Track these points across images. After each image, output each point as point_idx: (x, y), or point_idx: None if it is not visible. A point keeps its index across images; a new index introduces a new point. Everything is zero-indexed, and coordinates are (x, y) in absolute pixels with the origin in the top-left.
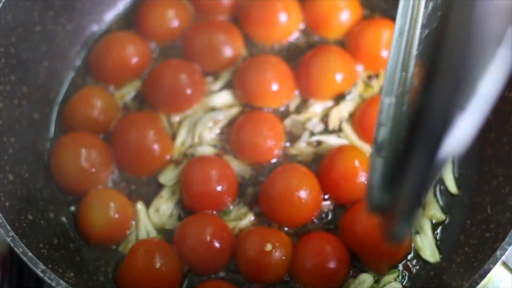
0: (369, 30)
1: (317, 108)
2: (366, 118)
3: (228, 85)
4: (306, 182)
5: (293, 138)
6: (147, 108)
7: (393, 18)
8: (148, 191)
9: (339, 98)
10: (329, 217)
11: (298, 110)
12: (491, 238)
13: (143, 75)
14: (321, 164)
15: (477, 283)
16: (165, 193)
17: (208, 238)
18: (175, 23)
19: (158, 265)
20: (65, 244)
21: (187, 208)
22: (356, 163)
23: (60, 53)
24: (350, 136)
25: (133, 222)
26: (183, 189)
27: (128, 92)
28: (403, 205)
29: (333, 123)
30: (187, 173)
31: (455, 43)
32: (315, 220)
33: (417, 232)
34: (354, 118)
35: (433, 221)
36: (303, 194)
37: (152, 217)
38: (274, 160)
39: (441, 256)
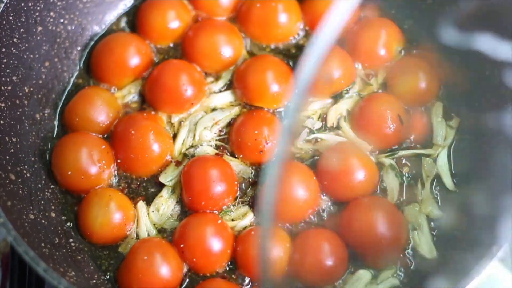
0: (367, 29)
1: (315, 106)
2: (364, 116)
3: (228, 86)
4: (305, 179)
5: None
6: (148, 108)
7: (391, 17)
8: (148, 190)
9: (338, 96)
10: (327, 214)
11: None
12: (488, 234)
13: (144, 75)
14: (320, 161)
15: (473, 279)
16: (165, 192)
17: (208, 238)
18: (175, 24)
19: (158, 264)
20: (66, 243)
21: (187, 208)
22: (354, 160)
23: (61, 53)
24: (348, 134)
25: (134, 222)
26: (183, 189)
27: (129, 93)
28: None
29: (331, 121)
30: (187, 173)
31: None
32: (313, 217)
33: (414, 229)
34: (352, 116)
35: (430, 218)
36: (301, 191)
37: (153, 216)
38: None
39: (438, 252)
